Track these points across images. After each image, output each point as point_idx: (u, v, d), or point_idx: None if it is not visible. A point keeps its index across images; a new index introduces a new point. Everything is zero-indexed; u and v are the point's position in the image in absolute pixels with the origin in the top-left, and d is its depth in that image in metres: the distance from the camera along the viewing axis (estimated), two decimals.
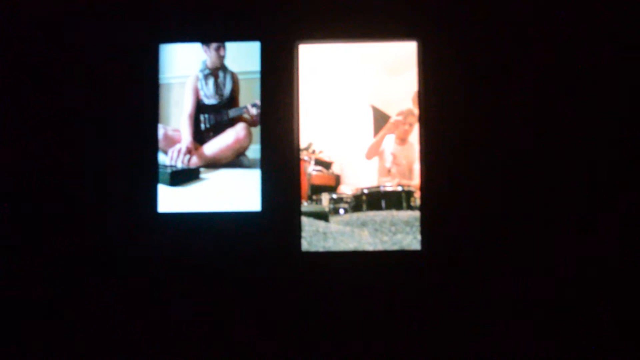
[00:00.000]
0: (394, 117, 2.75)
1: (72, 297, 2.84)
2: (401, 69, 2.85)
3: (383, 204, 2.80)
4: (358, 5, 2.87)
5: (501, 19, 2.84)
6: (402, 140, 2.78)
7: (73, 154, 2.90)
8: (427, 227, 2.78)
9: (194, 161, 2.92)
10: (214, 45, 2.92)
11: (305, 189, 2.84)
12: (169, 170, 2.89)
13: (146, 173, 2.90)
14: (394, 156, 2.78)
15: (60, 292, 2.84)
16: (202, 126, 2.94)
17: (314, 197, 2.84)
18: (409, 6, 2.85)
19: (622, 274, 2.70)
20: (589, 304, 2.70)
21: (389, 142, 2.80)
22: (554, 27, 2.82)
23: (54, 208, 2.87)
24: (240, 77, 2.92)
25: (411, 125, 2.78)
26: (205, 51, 2.93)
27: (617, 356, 2.64)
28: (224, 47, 2.92)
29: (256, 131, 2.89)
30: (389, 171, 2.78)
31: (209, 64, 2.93)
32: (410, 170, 2.79)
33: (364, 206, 2.80)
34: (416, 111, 2.78)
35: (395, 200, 2.79)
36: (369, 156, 2.79)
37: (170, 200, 2.87)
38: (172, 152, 2.91)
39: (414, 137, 2.81)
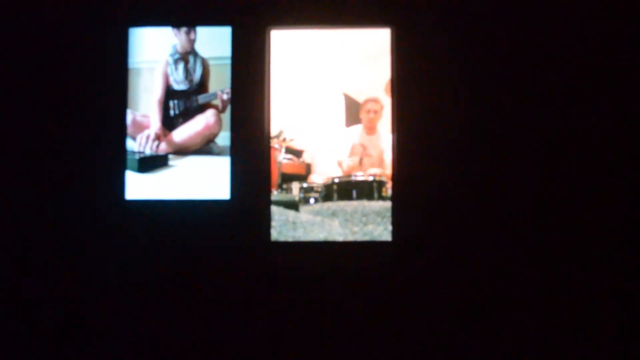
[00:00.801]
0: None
1: (36, 286, 2.78)
2: (375, 56, 2.79)
3: (354, 193, 2.75)
4: None
5: (477, 5, 2.78)
6: (370, 129, 2.73)
7: (38, 139, 2.83)
8: (398, 218, 2.73)
9: (163, 147, 2.86)
10: (184, 29, 2.85)
11: (275, 177, 2.79)
12: (137, 156, 2.83)
13: (114, 159, 2.84)
14: (364, 147, 2.73)
15: (24, 282, 2.78)
16: (172, 112, 2.88)
17: (284, 186, 2.79)
18: None
19: (585, 265, 2.67)
20: (562, 289, 2.67)
21: (358, 132, 2.76)
22: (530, 15, 2.76)
23: (17, 195, 2.80)
24: (210, 62, 2.86)
25: (376, 113, 2.72)
26: (176, 35, 2.86)
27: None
28: (194, 31, 2.85)
29: (226, 118, 2.82)
30: (359, 162, 2.73)
31: (179, 48, 2.86)
32: (381, 160, 2.74)
33: (335, 196, 2.76)
34: (382, 99, 2.73)
35: (367, 190, 2.75)
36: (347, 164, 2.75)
37: (139, 187, 2.81)
38: (141, 138, 2.85)
39: (385, 126, 2.75)
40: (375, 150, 2.67)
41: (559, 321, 2.65)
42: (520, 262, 2.69)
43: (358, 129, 2.69)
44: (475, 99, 2.75)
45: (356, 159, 2.66)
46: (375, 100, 2.64)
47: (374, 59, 2.73)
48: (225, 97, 2.82)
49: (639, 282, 2.65)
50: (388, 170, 2.68)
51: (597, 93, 2.73)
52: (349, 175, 2.75)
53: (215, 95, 2.84)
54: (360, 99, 2.74)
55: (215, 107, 2.85)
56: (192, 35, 2.85)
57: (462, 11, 2.78)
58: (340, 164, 2.63)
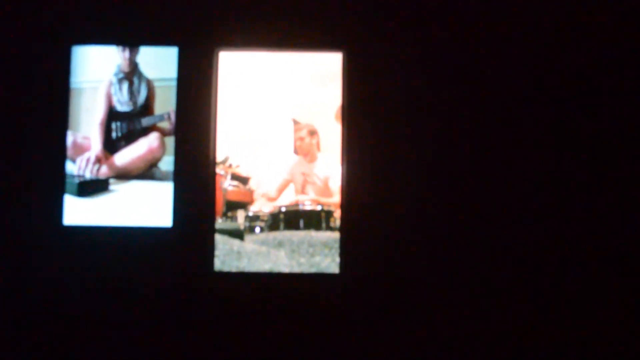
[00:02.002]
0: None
1: None
2: (325, 80, 2.70)
3: (301, 223, 2.64)
4: (282, 12, 2.71)
5: (428, 29, 2.71)
6: (307, 156, 2.64)
7: None
8: (346, 249, 2.63)
9: (104, 171, 2.73)
10: (129, 49, 2.74)
11: (220, 204, 2.68)
12: (76, 180, 2.71)
13: (53, 182, 2.71)
14: (305, 175, 2.63)
15: None
16: (114, 134, 2.76)
17: (229, 213, 2.67)
18: (334, 15, 2.71)
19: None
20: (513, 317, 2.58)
21: (299, 161, 2.66)
22: (486, 37, 2.70)
23: None
24: (156, 83, 2.74)
25: (302, 140, 2.63)
26: (120, 55, 2.75)
27: None
28: (139, 51, 2.74)
29: (170, 142, 2.71)
30: (303, 192, 2.63)
31: (123, 68, 2.75)
32: (327, 189, 2.64)
33: (282, 225, 2.65)
34: (321, 125, 2.64)
35: (315, 219, 2.64)
36: (277, 196, 2.65)
37: (77, 212, 2.69)
38: (81, 160, 2.72)
39: (332, 151, 2.66)
40: (318, 178, 2.57)
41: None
42: (474, 294, 2.60)
43: (298, 158, 2.60)
44: (428, 125, 2.67)
45: (297, 187, 2.56)
46: (301, 127, 2.55)
47: (325, 84, 2.64)
48: (170, 118, 2.71)
49: None
50: (335, 199, 2.58)
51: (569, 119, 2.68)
52: (297, 204, 2.64)
53: (160, 118, 2.73)
54: (311, 124, 2.64)
55: (159, 130, 2.74)
56: (137, 56, 2.74)
57: (415, 36, 2.71)
58: (277, 192, 2.53)
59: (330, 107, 2.69)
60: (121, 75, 2.75)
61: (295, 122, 2.66)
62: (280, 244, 2.64)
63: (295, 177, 2.65)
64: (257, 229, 2.65)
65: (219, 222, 2.66)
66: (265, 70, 2.71)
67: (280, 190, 2.66)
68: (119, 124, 2.76)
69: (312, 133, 2.63)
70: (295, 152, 2.67)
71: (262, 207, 2.67)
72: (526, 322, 2.58)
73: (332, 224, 2.64)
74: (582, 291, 2.59)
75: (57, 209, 2.70)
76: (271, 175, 2.68)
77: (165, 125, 2.73)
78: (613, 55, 2.67)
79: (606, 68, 2.67)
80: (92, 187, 2.71)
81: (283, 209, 2.66)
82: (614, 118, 2.65)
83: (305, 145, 2.63)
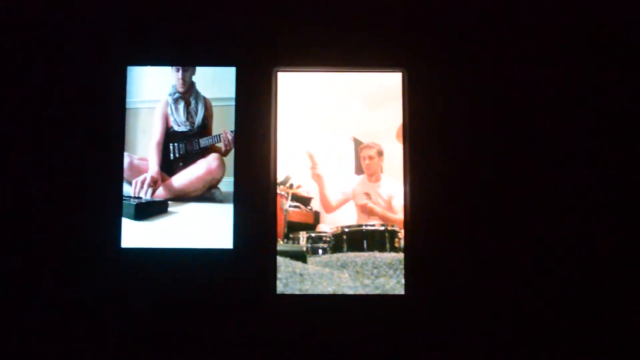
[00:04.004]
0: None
1: (27, 341, 2.58)
2: (386, 100, 2.68)
3: (365, 244, 2.61)
4: (340, 32, 2.70)
5: (487, 48, 2.70)
6: (371, 176, 2.61)
7: (32, 182, 2.65)
8: (411, 270, 2.60)
9: (161, 193, 2.69)
10: (187, 69, 2.71)
11: (281, 226, 2.64)
12: (133, 202, 2.66)
13: (109, 205, 2.67)
14: (368, 195, 2.60)
15: (15, 335, 2.58)
16: (171, 155, 2.72)
17: (291, 235, 2.63)
18: (393, 35, 2.69)
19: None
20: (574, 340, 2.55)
21: (362, 181, 2.63)
22: (550, 57, 2.69)
23: (8, 240, 2.61)
24: (213, 103, 2.71)
25: (372, 159, 2.61)
26: (175, 75, 2.72)
27: None
28: (195, 71, 2.71)
29: (229, 162, 2.68)
30: (367, 211, 2.60)
31: (179, 88, 2.72)
32: (390, 209, 2.61)
33: (345, 246, 2.61)
34: (384, 144, 2.62)
35: (378, 240, 2.61)
36: (327, 210, 2.61)
37: (135, 234, 2.64)
38: (138, 182, 2.68)
39: (393, 171, 2.63)
40: (381, 199, 2.54)
41: None
42: (547, 315, 2.57)
43: (362, 176, 2.57)
44: (491, 144, 2.65)
45: (362, 208, 2.53)
46: (370, 146, 2.52)
47: (383, 104, 2.61)
48: (229, 139, 2.67)
49: None
50: (399, 219, 2.55)
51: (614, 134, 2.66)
52: (360, 225, 2.61)
53: (218, 138, 2.70)
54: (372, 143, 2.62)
55: (218, 150, 2.70)
56: (192, 75, 2.71)
57: (477, 53, 2.70)
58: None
59: (388, 127, 2.66)
60: (177, 95, 2.73)
61: (358, 142, 2.64)
62: (343, 266, 2.60)
63: (357, 197, 2.62)
64: (320, 251, 2.62)
65: (281, 244, 2.62)
66: (323, 90, 2.69)
67: (339, 205, 2.63)
68: (176, 144, 2.72)
69: (380, 153, 2.61)
70: (359, 172, 2.64)
71: (324, 228, 2.64)
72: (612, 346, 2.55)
73: (396, 245, 2.60)
74: None
75: (115, 232, 2.65)
76: (332, 194, 2.65)
77: (221, 145, 2.69)
78: None
79: None
80: (149, 210, 2.67)
81: (346, 230, 2.63)
82: None
83: (373, 165, 2.61)
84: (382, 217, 2.61)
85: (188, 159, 2.71)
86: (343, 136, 2.67)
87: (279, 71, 2.70)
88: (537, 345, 2.56)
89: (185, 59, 2.73)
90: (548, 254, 2.60)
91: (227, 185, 2.67)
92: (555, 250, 2.60)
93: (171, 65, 2.72)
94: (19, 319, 2.60)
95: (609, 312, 2.57)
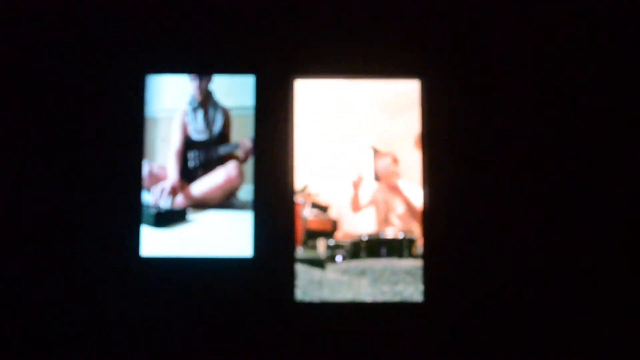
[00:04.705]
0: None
1: (50, 347, 2.60)
2: (403, 108, 2.69)
3: (383, 251, 2.62)
4: (358, 40, 2.71)
5: (507, 55, 2.71)
6: (390, 183, 2.63)
7: (51, 191, 2.67)
8: (429, 277, 2.61)
9: (181, 201, 2.71)
10: (204, 77, 2.73)
11: (300, 234, 2.65)
12: (153, 210, 2.68)
13: (129, 213, 2.69)
14: (386, 202, 2.61)
15: (31, 343, 2.60)
16: (190, 163, 2.74)
17: (310, 243, 2.64)
18: (411, 43, 2.71)
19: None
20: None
21: (380, 189, 2.65)
22: (558, 65, 2.70)
23: (29, 248, 2.63)
24: (232, 112, 2.73)
25: (394, 165, 2.63)
26: (193, 84, 2.74)
27: None
28: (214, 80, 2.74)
29: (248, 170, 2.69)
30: (385, 220, 2.61)
31: (197, 97, 2.74)
32: (408, 216, 2.62)
33: (363, 254, 2.62)
34: (399, 153, 2.63)
35: (396, 247, 2.62)
36: (355, 209, 2.62)
37: (155, 243, 2.66)
38: (157, 190, 2.70)
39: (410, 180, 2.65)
40: (399, 206, 2.55)
41: None
42: (567, 320, 2.57)
43: (381, 186, 2.58)
44: (510, 151, 2.65)
45: (380, 215, 2.54)
46: (386, 155, 2.53)
47: (400, 112, 2.63)
48: (247, 147, 2.69)
49: None
50: (416, 226, 2.56)
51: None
52: (377, 233, 2.62)
53: (236, 146, 2.72)
54: (390, 151, 2.63)
55: (237, 158, 2.72)
56: (209, 84, 2.73)
57: (493, 61, 2.71)
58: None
59: (406, 135, 2.68)
60: (196, 104, 2.75)
61: (376, 150, 2.65)
62: (362, 273, 2.61)
63: (377, 204, 2.64)
64: (339, 258, 2.63)
65: (300, 252, 2.63)
66: (340, 98, 2.71)
67: (365, 207, 2.64)
68: (195, 153, 2.74)
69: (396, 161, 2.62)
70: (377, 179, 2.66)
71: (343, 235, 2.65)
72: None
73: (414, 252, 2.61)
74: None
75: (135, 240, 2.67)
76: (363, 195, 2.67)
77: (240, 153, 2.71)
78: None
79: None
80: (169, 218, 2.69)
81: (364, 237, 2.64)
82: None
83: (389, 172, 2.62)
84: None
85: (207, 167, 2.73)
86: (361, 144, 2.69)
87: (297, 79, 2.71)
88: (561, 352, 2.56)
89: (206, 67, 2.75)
90: (573, 258, 2.60)
91: (245, 193, 2.69)
92: (578, 253, 2.60)
93: (192, 73, 2.74)
94: (38, 325, 2.62)
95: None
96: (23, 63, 2.72)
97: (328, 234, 2.65)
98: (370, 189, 2.65)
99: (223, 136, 2.74)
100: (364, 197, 2.60)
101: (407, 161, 2.68)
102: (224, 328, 2.61)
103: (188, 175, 2.73)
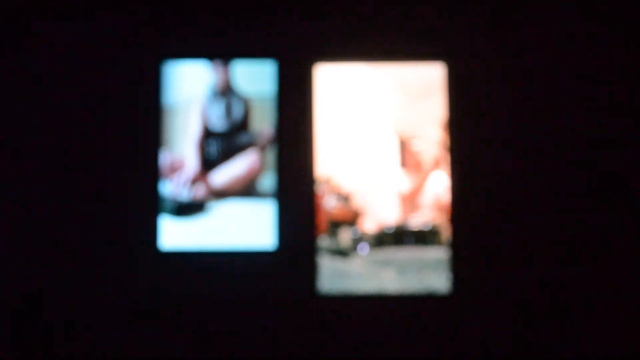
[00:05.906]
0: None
1: (62, 338, 2.57)
2: (428, 92, 2.61)
3: (408, 241, 2.55)
4: (381, 24, 2.63)
5: (537, 39, 2.61)
6: (417, 171, 2.55)
7: (67, 182, 2.62)
8: (455, 268, 2.53)
9: (201, 191, 2.65)
10: (222, 65, 2.66)
11: (323, 223, 2.58)
12: (172, 201, 2.63)
13: (147, 204, 2.64)
14: (412, 192, 2.54)
15: (52, 334, 2.57)
16: (210, 153, 2.68)
17: (333, 232, 2.58)
18: (435, 27, 2.62)
19: None
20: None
21: (406, 174, 2.57)
22: (584, 51, 2.60)
23: (47, 240, 2.60)
24: (252, 100, 2.67)
25: (419, 153, 2.55)
26: (213, 71, 2.67)
27: None
28: (233, 67, 2.67)
29: (269, 159, 2.63)
30: (411, 209, 2.54)
31: (217, 85, 2.68)
32: (435, 204, 2.55)
33: (388, 244, 2.55)
34: (429, 138, 2.55)
35: (422, 237, 2.55)
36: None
37: (174, 234, 2.61)
38: (177, 181, 2.65)
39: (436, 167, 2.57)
40: (426, 194, 2.47)
41: None
42: (594, 315, 2.49)
43: (406, 171, 2.50)
44: (535, 135, 2.56)
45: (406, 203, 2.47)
46: (417, 139, 2.45)
47: (424, 98, 2.55)
48: (267, 136, 2.63)
49: None
50: (443, 215, 2.48)
51: None
52: (403, 223, 2.55)
53: (257, 135, 2.65)
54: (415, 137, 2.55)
55: (257, 146, 2.66)
56: (229, 72, 2.66)
57: (522, 44, 2.61)
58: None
59: (433, 119, 2.60)
60: (215, 93, 2.68)
61: (403, 137, 2.58)
62: (387, 264, 2.54)
63: (402, 193, 2.57)
64: (363, 249, 2.56)
65: (323, 242, 2.57)
66: (364, 84, 2.63)
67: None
68: (215, 142, 2.68)
69: (424, 147, 2.54)
70: (403, 166, 2.58)
71: (367, 225, 2.59)
72: None
73: (440, 241, 2.54)
74: None
75: (154, 231, 2.62)
76: (375, 191, 2.59)
77: (261, 142, 2.65)
78: None
79: None
80: (189, 208, 2.64)
81: (389, 228, 2.57)
82: None
83: (416, 159, 2.54)
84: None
85: (227, 156, 2.67)
86: (386, 130, 2.61)
87: (319, 64, 2.64)
88: (588, 345, 2.49)
89: (226, 52, 2.68)
90: (609, 250, 2.51)
91: (266, 181, 2.63)
92: (615, 244, 2.51)
93: (211, 58, 2.67)
94: (54, 317, 2.59)
95: None
96: (39, 52, 2.67)
97: (351, 223, 2.58)
98: (395, 176, 2.57)
99: (243, 124, 2.68)
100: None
101: (433, 148, 2.60)
102: (246, 321, 2.55)
103: (208, 164, 2.67)
